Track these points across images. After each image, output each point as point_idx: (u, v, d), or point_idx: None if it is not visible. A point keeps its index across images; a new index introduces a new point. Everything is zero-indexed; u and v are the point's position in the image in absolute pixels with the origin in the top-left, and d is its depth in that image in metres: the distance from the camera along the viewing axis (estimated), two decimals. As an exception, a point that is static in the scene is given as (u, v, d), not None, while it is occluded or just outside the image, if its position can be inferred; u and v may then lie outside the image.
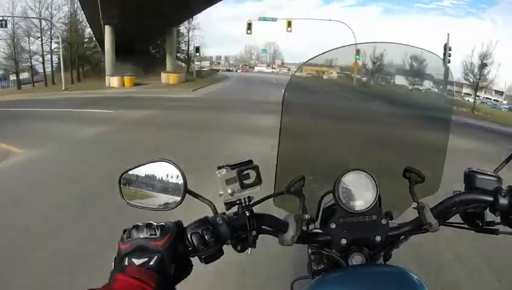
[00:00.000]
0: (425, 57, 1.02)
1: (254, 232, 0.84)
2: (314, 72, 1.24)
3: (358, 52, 1.07)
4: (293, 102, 1.00)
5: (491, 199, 0.88)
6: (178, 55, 46.15)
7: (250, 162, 0.86)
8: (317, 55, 1.03)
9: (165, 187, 0.87)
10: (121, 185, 0.88)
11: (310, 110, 1.14)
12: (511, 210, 0.87)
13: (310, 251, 1.00)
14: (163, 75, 31.94)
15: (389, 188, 0.99)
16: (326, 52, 1.01)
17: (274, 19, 46.73)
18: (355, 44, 1.04)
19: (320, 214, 1.01)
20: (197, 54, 43.13)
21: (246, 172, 0.84)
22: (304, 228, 0.95)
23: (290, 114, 0.99)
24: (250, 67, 66.74)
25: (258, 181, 0.84)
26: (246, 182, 0.84)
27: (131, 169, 0.88)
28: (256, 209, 0.88)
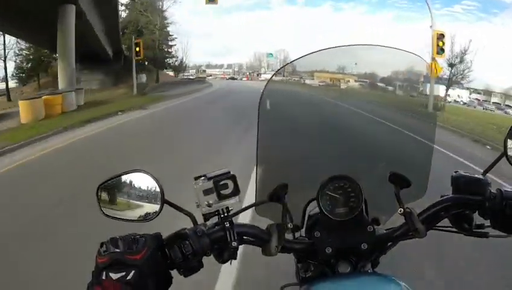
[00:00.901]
0: (412, 60, 1.01)
1: (234, 244, 0.81)
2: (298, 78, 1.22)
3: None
4: (271, 108, 0.98)
5: (479, 202, 0.87)
6: (170, 62, 45.67)
7: (227, 172, 0.84)
8: (298, 58, 1.02)
9: (144, 198, 0.85)
10: (99, 197, 0.85)
11: (289, 115, 1.12)
12: (501, 213, 0.85)
13: (296, 259, 0.97)
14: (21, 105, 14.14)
15: (375, 194, 0.97)
16: (307, 54, 0.99)
17: (270, 55, 47.51)
18: (339, 46, 1.01)
19: (305, 221, 0.98)
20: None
21: (223, 182, 0.82)
22: (290, 236, 0.93)
23: (268, 120, 0.97)
24: (257, 74, 62.16)
25: (236, 191, 0.83)
26: (223, 192, 0.82)
27: (108, 180, 0.85)
28: (240, 218, 0.86)
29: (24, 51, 33.17)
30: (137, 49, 25.95)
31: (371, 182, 0.98)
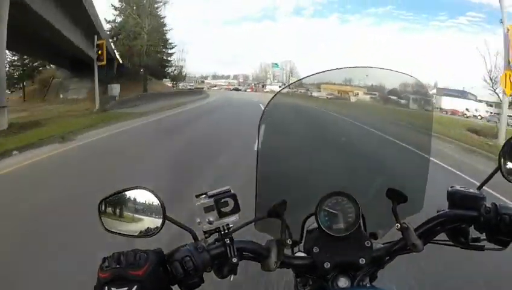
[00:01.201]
0: (407, 80, 1.03)
1: (234, 260, 0.83)
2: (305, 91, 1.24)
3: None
4: (273, 122, 1.00)
5: (475, 216, 0.89)
6: (169, 71, 44.43)
7: (228, 190, 0.86)
8: (305, 77, 1.06)
9: (145, 214, 0.86)
10: (101, 212, 0.86)
11: (290, 131, 1.14)
12: (496, 227, 0.87)
13: (294, 273, 0.98)
14: None
15: (373, 208, 0.98)
16: (315, 74, 1.02)
17: (276, 65, 45.84)
18: (344, 68, 1.05)
19: (304, 236, 0.99)
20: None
21: (223, 200, 0.84)
22: (288, 251, 0.94)
23: (269, 135, 0.99)
24: (262, 86, 61.01)
25: (236, 209, 0.85)
26: (223, 210, 0.84)
27: (110, 196, 0.86)
28: (238, 232, 0.87)
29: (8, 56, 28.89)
30: (100, 52, 21.65)
31: (368, 197, 1.00)
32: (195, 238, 0.85)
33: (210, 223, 0.83)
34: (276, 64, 57.66)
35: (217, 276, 0.86)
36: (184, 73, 48.07)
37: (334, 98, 1.20)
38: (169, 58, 44.74)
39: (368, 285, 0.94)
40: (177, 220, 0.84)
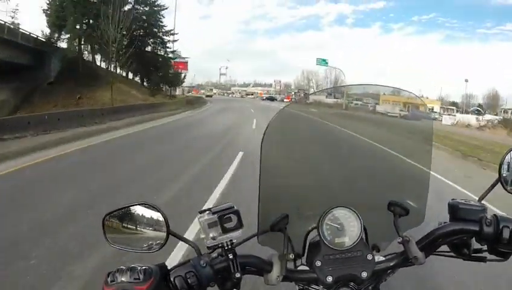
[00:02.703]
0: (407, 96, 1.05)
1: (238, 274, 0.83)
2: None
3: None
4: (275, 137, 1.01)
5: (476, 228, 0.89)
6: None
7: (231, 207, 0.86)
8: (317, 91, 1.07)
9: (149, 228, 0.87)
10: (105, 227, 0.87)
11: (293, 145, 1.15)
12: (497, 239, 0.88)
13: (297, 287, 0.98)
14: None
15: (375, 221, 0.99)
16: (329, 88, 1.06)
17: (323, 61, 40.62)
18: (357, 84, 1.09)
19: (306, 250, 1.00)
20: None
21: (227, 216, 0.85)
22: (291, 264, 0.94)
23: (272, 149, 1.00)
24: (304, 94, 55.72)
25: (239, 225, 0.85)
26: (227, 226, 0.84)
27: (114, 211, 0.87)
28: (242, 246, 0.88)
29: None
30: None
31: (370, 210, 1.00)
32: (198, 253, 0.86)
33: (213, 238, 0.84)
34: (324, 60, 46.10)
35: None
36: (183, 75, 45.74)
37: (341, 114, 1.21)
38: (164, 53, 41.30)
39: None
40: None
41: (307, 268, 0.94)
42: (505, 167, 0.96)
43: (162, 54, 42.12)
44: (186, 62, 57.61)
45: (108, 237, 0.86)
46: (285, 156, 1.11)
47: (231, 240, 0.84)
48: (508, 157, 0.97)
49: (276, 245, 0.93)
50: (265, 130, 0.93)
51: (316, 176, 1.11)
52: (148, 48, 40.79)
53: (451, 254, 0.96)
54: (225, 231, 0.84)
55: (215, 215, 0.84)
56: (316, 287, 0.93)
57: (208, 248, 0.85)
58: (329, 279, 0.89)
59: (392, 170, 1.13)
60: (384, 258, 0.95)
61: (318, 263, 0.90)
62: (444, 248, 0.96)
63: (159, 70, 38.96)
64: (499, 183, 0.97)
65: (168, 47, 42.36)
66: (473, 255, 0.94)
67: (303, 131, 1.22)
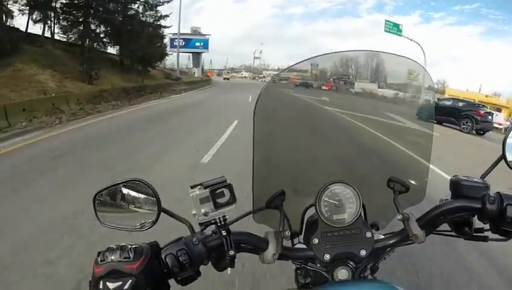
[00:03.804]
0: (410, 66, 1.00)
1: (232, 252, 0.81)
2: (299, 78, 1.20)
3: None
4: (268, 111, 0.97)
5: (478, 206, 0.86)
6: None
7: (223, 180, 0.84)
8: (298, 62, 1.02)
9: (140, 207, 0.85)
10: (96, 205, 0.85)
11: (287, 120, 1.11)
12: (500, 217, 0.85)
13: (294, 265, 0.97)
14: None
15: (374, 198, 0.96)
16: (307, 59, 0.99)
17: (398, 28, 30.93)
18: (339, 52, 1.03)
19: (304, 227, 0.98)
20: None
21: (219, 191, 0.82)
22: (288, 242, 0.93)
23: (265, 125, 0.96)
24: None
25: (232, 200, 0.83)
26: (219, 201, 0.82)
27: (105, 189, 0.85)
28: (237, 225, 0.86)
29: None
30: None
31: (369, 187, 0.97)
32: (191, 230, 0.83)
33: (205, 214, 0.81)
34: (396, 25, 33.16)
35: (215, 268, 0.85)
36: (167, 49, 36.84)
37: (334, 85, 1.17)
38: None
39: (370, 276, 0.93)
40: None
41: (304, 246, 0.93)
42: (509, 143, 0.93)
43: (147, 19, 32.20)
44: (207, 40, 56.42)
45: (99, 215, 0.84)
46: (280, 131, 1.07)
47: (224, 216, 0.82)
48: (511, 136, 0.93)
49: (272, 223, 0.91)
50: (256, 100, 0.90)
51: (313, 152, 1.08)
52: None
53: (452, 233, 0.93)
54: (217, 206, 0.82)
55: (207, 189, 0.82)
56: (313, 265, 0.91)
57: (200, 224, 0.82)
58: (327, 257, 0.87)
59: (392, 146, 1.09)
60: (383, 237, 0.92)
61: (315, 241, 0.88)
62: (445, 226, 0.94)
63: (132, 41, 28.36)
64: (503, 161, 0.93)
65: (157, 11, 32.62)
66: (474, 234, 0.91)
67: (297, 107, 1.18)
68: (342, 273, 0.87)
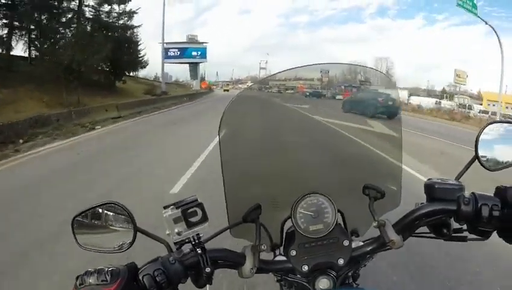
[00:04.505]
0: (377, 76, 1.02)
1: (208, 269, 0.81)
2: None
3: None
4: (235, 125, 0.99)
5: (454, 208, 0.86)
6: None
7: (194, 200, 0.85)
8: (276, 73, 1.06)
9: (118, 228, 0.86)
10: (74, 229, 0.86)
11: (256, 132, 1.12)
12: (476, 218, 0.84)
13: (275, 278, 0.97)
14: None
15: (352, 206, 0.97)
16: (286, 70, 1.01)
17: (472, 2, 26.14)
18: (319, 64, 1.05)
19: (284, 239, 0.98)
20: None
21: (191, 210, 0.83)
22: (270, 255, 0.94)
23: (232, 138, 0.97)
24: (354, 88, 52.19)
25: (204, 219, 0.84)
26: (191, 220, 0.83)
27: (82, 212, 0.86)
28: (217, 240, 0.87)
29: None
30: None
31: (346, 194, 0.98)
32: (169, 249, 0.84)
33: (179, 234, 0.82)
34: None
35: (195, 286, 0.85)
36: (145, 57, 30.53)
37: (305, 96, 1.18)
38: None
39: (354, 284, 0.94)
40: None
41: (285, 258, 0.93)
42: (480, 144, 0.93)
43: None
44: (204, 49, 50.79)
45: (78, 239, 0.85)
46: (249, 144, 1.08)
47: (198, 235, 0.83)
48: (483, 134, 0.94)
49: (251, 237, 0.91)
50: (221, 117, 0.91)
51: (287, 163, 1.09)
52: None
53: (431, 235, 0.93)
54: (190, 225, 0.82)
55: (179, 209, 0.83)
56: (294, 276, 0.91)
57: (175, 243, 0.83)
58: (305, 268, 0.88)
59: (365, 153, 1.10)
60: (362, 243, 0.93)
61: (293, 253, 0.89)
62: (424, 229, 0.93)
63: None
64: (476, 161, 0.94)
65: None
66: (453, 235, 0.90)
67: (267, 117, 1.20)
68: (323, 283, 0.88)
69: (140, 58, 30.89)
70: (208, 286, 0.84)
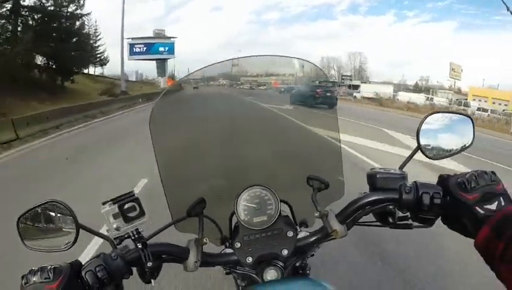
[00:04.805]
0: (310, 68, 1.04)
1: (150, 264, 0.82)
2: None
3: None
4: (168, 120, 0.99)
5: (396, 197, 0.87)
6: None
7: (131, 194, 0.84)
8: (198, 70, 1.05)
9: (62, 226, 0.85)
10: (20, 230, 0.85)
11: (192, 125, 1.12)
12: (417, 206, 0.85)
13: (224, 271, 0.98)
14: None
15: (300, 197, 0.98)
16: (207, 66, 1.03)
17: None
18: (239, 58, 1.08)
19: (232, 232, 0.99)
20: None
21: (128, 205, 0.83)
22: (220, 248, 0.95)
23: (166, 133, 0.97)
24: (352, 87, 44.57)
25: (141, 213, 0.84)
26: (129, 215, 0.83)
27: (25, 213, 0.85)
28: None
29: None
30: None
31: (292, 186, 1.00)
32: (113, 245, 0.84)
33: (117, 229, 0.82)
34: None
35: (142, 281, 0.85)
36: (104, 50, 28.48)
37: (242, 88, 1.20)
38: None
39: (302, 275, 0.95)
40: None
41: (231, 251, 0.94)
42: (422, 134, 0.96)
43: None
44: (172, 44, 47.01)
45: (24, 239, 0.85)
46: (187, 138, 1.09)
47: (137, 229, 0.83)
48: (424, 125, 0.96)
49: (197, 231, 0.92)
50: (151, 113, 0.91)
51: (231, 157, 1.10)
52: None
53: (378, 223, 0.95)
54: (128, 220, 0.82)
55: (116, 205, 0.83)
56: (242, 268, 0.93)
57: (115, 239, 0.83)
58: (249, 259, 0.89)
59: (307, 145, 1.12)
60: (307, 234, 0.94)
61: (237, 245, 0.90)
62: (370, 217, 0.95)
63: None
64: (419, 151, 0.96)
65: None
66: (398, 223, 0.92)
67: (203, 110, 1.20)
68: (271, 274, 0.89)
69: (99, 55, 27.48)
70: (152, 281, 0.84)
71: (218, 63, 1.03)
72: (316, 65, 1.05)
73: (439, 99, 45.87)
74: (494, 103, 42.48)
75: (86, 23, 24.71)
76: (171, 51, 47.19)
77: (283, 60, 1.11)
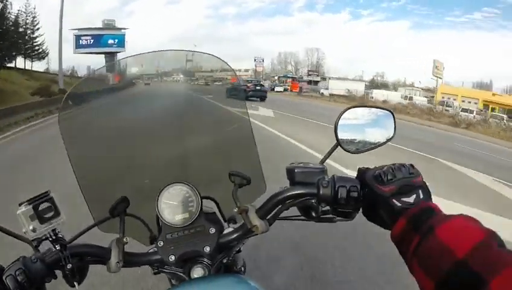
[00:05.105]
0: (218, 63, 1.08)
1: (70, 266, 0.81)
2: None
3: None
4: (79, 120, 0.98)
5: (314, 191, 0.87)
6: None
7: (45, 194, 0.83)
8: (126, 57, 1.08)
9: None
10: None
11: (104, 123, 1.11)
12: (335, 199, 0.86)
13: (152, 271, 0.98)
14: None
15: (226, 193, 0.99)
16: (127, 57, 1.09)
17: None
18: (160, 51, 1.13)
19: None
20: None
21: (43, 206, 0.82)
22: (147, 248, 0.95)
23: (79, 133, 0.97)
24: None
25: (56, 213, 0.82)
26: (45, 216, 0.82)
27: None
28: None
29: None
30: None
31: (217, 182, 1.02)
32: (34, 248, 0.83)
33: (34, 230, 0.81)
34: None
35: (68, 284, 0.84)
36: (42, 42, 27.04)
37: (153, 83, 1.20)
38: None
39: (239, 271, 0.99)
40: None
41: (155, 251, 0.94)
42: (339, 129, 0.98)
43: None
44: (122, 36, 43.58)
45: None
46: (101, 136, 1.08)
47: (54, 230, 0.82)
48: (342, 120, 0.99)
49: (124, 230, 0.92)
50: (60, 110, 0.90)
51: (151, 154, 1.10)
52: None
53: (302, 217, 0.96)
54: (43, 221, 0.81)
55: (31, 205, 0.81)
56: (170, 268, 0.93)
57: (33, 241, 0.82)
58: (172, 258, 0.89)
59: (227, 141, 1.14)
60: (231, 230, 0.96)
61: (160, 243, 0.91)
62: (295, 211, 0.96)
63: None
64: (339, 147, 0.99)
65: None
66: (321, 216, 0.93)
67: (115, 106, 1.21)
68: (197, 272, 0.90)
69: (37, 47, 24.45)
70: (76, 284, 0.83)
71: (135, 55, 1.07)
72: (225, 61, 1.10)
73: (418, 99, 45.48)
74: (463, 101, 43.59)
75: (18, 9, 21.29)
76: (121, 43, 43.30)
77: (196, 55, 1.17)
